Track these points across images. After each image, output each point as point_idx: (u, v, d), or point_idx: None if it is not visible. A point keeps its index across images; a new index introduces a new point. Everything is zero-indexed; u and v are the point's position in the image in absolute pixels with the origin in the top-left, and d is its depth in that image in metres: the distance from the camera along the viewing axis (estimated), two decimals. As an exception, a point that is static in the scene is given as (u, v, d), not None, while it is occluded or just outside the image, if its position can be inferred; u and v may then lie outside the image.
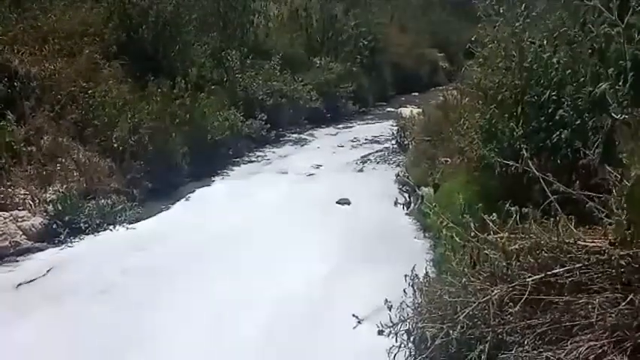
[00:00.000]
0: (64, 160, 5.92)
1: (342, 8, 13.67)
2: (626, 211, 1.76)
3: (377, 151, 8.94)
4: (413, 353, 2.63)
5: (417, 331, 2.58)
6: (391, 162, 8.24)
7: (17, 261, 4.79)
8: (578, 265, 2.22)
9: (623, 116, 1.58)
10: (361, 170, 7.93)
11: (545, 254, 2.32)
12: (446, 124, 6.18)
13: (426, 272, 3.04)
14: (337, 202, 6.31)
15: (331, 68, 11.96)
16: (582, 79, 3.18)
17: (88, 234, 5.36)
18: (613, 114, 1.58)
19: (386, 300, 2.71)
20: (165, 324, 3.73)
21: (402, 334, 2.61)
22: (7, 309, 3.95)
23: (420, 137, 7.27)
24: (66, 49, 7.02)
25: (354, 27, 13.26)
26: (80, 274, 4.53)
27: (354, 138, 9.95)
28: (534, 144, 3.61)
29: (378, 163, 8.31)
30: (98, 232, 5.44)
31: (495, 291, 2.31)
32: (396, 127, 9.22)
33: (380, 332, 2.55)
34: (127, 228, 5.56)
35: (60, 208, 5.34)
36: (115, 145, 6.29)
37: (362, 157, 8.59)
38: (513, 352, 2.16)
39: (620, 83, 1.55)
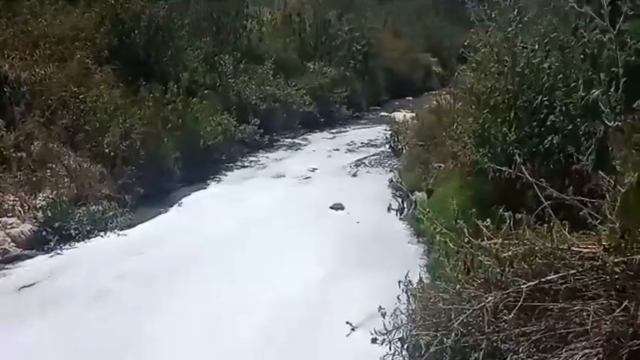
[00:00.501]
0: (54, 166, 5.85)
1: (335, 13, 13.70)
2: (620, 218, 1.74)
3: (371, 156, 8.94)
4: (407, 361, 2.60)
5: (411, 338, 2.55)
6: (385, 166, 8.24)
7: (6, 269, 4.71)
8: (572, 272, 2.20)
9: (616, 123, 1.57)
10: (355, 175, 7.91)
11: (540, 260, 2.30)
12: (439, 129, 6.18)
13: (420, 278, 3.02)
14: (331, 207, 6.28)
15: (325, 73, 11.98)
16: (574, 84, 3.18)
17: (78, 241, 5.29)
18: (606, 121, 1.57)
19: (380, 307, 2.68)
20: (159, 330, 3.69)
21: (396, 342, 2.57)
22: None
23: (413, 142, 7.27)
24: (57, 54, 6.97)
25: (347, 32, 13.31)
26: (70, 282, 4.47)
27: (348, 142, 9.95)
28: (527, 149, 3.60)
29: (371, 167, 8.31)
30: (89, 238, 5.37)
31: (489, 298, 2.28)
32: (389, 132, 9.22)
33: (373, 340, 2.51)
34: (119, 234, 5.50)
35: (50, 214, 5.27)
36: (107, 151, 6.24)
37: (356, 161, 8.58)
38: (508, 360, 2.14)
39: (612, 90, 1.54)
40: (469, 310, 2.32)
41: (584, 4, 1.66)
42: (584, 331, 2.05)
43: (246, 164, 8.48)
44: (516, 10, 3.92)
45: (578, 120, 3.20)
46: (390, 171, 7.74)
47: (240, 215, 5.93)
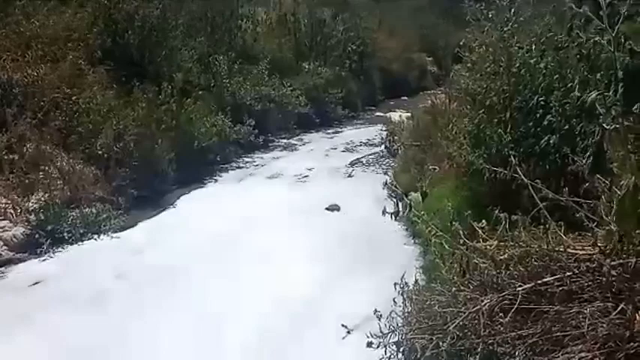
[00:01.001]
0: (47, 168, 5.79)
1: (330, 13, 13.68)
2: (616, 221, 1.73)
3: (366, 156, 8.92)
4: (403, 365, 2.58)
5: (407, 342, 2.52)
6: (381, 167, 8.22)
7: (-3, 272, 4.66)
8: (568, 274, 2.19)
9: (614, 125, 1.55)
10: (351, 175, 7.89)
11: (535, 263, 2.29)
12: (435, 129, 6.17)
13: (416, 280, 2.99)
14: (327, 209, 6.25)
15: (320, 73, 11.96)
16: (570, 84, 3.17)
17: (71, 244, 5.23)
18: (604, 124, 1.55)
19: (375, 310, 2.66)
20: (147, 333, 3.65)
21: (392, 346, 2.55)
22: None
23: (408, 142, 7.25)
24: (49, 55, 6.91)
25: (342, 32, 13.29)
26: (62, 285, 4.41)
27: (344, 143, 9.93)
28: (523, 149, 3.59)
29: (367, 167, 8.29)
30: (82, 241, 5.32)
31: (485, 301, 2.27)
32: (385, 132, 9.21)
33: (369, 344, 2.49)
34: (112, 237, 5.45)
35: (43, 217, 5.22)
36: (100, 153, 6.19)
37: (351, 162, 8.56)
38: (504, 363, 2.12)
39: (610, 92, 1.52)
40: (465, 313, 2.31)
41: (582, 4, 1.64)
42: (580, 334, 2.03)
43: (241, 165, 8.44)
44: (512, 10, 3.90)
45: (574, 120, 3.20)
46: (386, 172, 7.72)
47: (235, 217, 5.89)
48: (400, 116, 9.43)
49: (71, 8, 7.87)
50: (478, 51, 4.35)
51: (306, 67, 12.02)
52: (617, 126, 1.55)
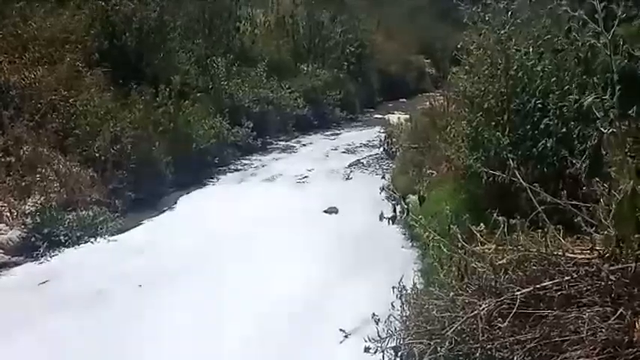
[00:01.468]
0: (43, 171, 5.75)
1: (328, 15, 13.68)
2: (615, 225, 1.71)
3: (364, 158, 8.91)
4: (401, 370, 2.56)
5: (405, 346, 2.51)
6: (379, 169, 8.21)
7: (-7, 276, 4.63)
8: (566, 278, 2.17)
9: (611, 129, 1.54)
10: (349, 178, 7.88)
11: (534, 267, 2.27)
12: (433, 132, 6.16)
13: (414, 284, 2.98)
14: (325, 211, 6.24)
15: (318, 75, 11.96)
16: (567, 87, 3.17)
17: (68, 247, 5.20)
18: (601, 128, 1.54)
19: (373, 314, 2.64)
20: (147, 336, 3.63)
21: (390, 351, 2.53)
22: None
23: (407, 144, 7.25)
24: (46, 57, 6.88)
25: (340, 34, 13.28)
26: (59, 289, 4.38)
27: (342, 145, 9.91)
28: (521, 152, 3.58)
29: (366, 170, 8.28)
30: (79, 244, 5.28)
31: (484, 305, 2.25)
32: (383, 134, 9.20)
33: (366, 349, 2.47)
34: (109, 240, 5.42)
35: (39, 220, 5.19)
36: (97, 155, 6.16)
37: (349, 164, 8.55)
38: (503, 368, 2.10)
39: (608, 95, 1.51)
40: (463, 317, 2.29)
41: (578, 7, 1.63)
42: (579, 339, 2.02)
43: (239, 167, 8.42)
44: (509, 13, 3.90)
45: (572, 123, 3.19)
46: (384, 175, 7.70)
47: (232, 220, 5.87)
48: (398, 118, 9.42)
49: (68, 10, 7.84)
50: (476, 54, 4.35)
51: (305, 69, 12.02)
52: (615, 129, 1.54)
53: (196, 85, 8.92)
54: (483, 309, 2.23)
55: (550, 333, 2.10)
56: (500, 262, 2.27)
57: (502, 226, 2.45)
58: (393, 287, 2.84)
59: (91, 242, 5.36)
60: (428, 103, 7.73)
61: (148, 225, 5.88)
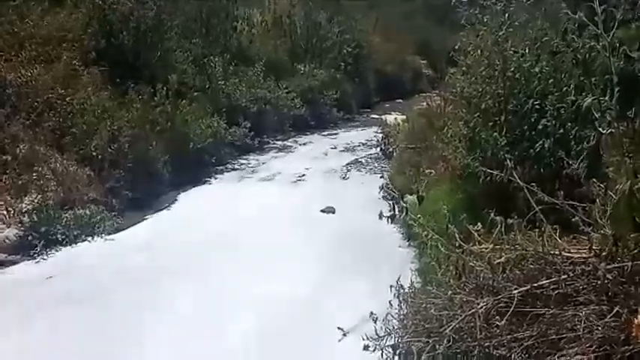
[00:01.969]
0: (40, 169, 5.75)
1: (325, 15, 13.69)
2: (612, 225, 1.74)
3: (362, 158, 8.93)
4: (399, 368, 2.58)
5: (403, 345, 2.52)
6: (376, 169, 8.23)
7: (-10, 275, 4.61)
8: (563, 277, 2.20)
9: (609, 130, 1.57)
10: (346, 177, 7.89)
11: (531, 265, 2.30)
12: (430, 132, 6.18)
13: (412, 283, 3.00)
14: (322, 211, 6.25)
15: (315, 75, 11.96)
16: (565, 88, 3.20)
17: (65, 245, 5.20)
18: (600, 129, 1.56)
19: (371, 313, 2.66)
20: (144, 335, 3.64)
21: (388, 348, 2.55)
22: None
23: (404, 145, 7.27)
24: (43, 56, 6.87)
25: (338, 34, 13.29)
26: (55, 288, 4.38)
27: (339, 145, 9.93)
28: (518, 153, 3.61)
29: (363, 170, 8.30)
30: (76, 243, 5.28)
31: (481, 304, 2.27)
32: (380, 135, 9.23)
33: (365, 347, 2.49)
34: (106, 239, 5.42)
35: (36, 219, 5.18)
36: (94, 154, 6.16)
37: (347, 164, 8.57)
38: (500, 366, 2.12)
39: (607, 97, 1.53)
40: (461, 315, 2.31)
41: (577, 9, 1.65)
42: (576, 337, 2.04)
43: (236, 167, 8.42)
44: (507, 14, 3.93)
45: (569, 125, 3.22)
46: (381, 175, 7.73)
47: (229, 219, 5.88)
48: (395, 119, 9.44)
49: (65, 9, 7.82)
50: (473, 55, 4.37)
51: (302, 69, 12.03)
52: (613, 131, 1.56)
53: (194, 85, 8.91)
54: (481, 307, 2.25)
55: (547, 331, 2.12)
56: (497, 261, 2.29)
57: (499, 225, 2.48)
58: (391, 286, 2.86)
59: (88, 241, 5.36)
60: (425, 103, 7.75)
61: (145, 224, 5.88)
